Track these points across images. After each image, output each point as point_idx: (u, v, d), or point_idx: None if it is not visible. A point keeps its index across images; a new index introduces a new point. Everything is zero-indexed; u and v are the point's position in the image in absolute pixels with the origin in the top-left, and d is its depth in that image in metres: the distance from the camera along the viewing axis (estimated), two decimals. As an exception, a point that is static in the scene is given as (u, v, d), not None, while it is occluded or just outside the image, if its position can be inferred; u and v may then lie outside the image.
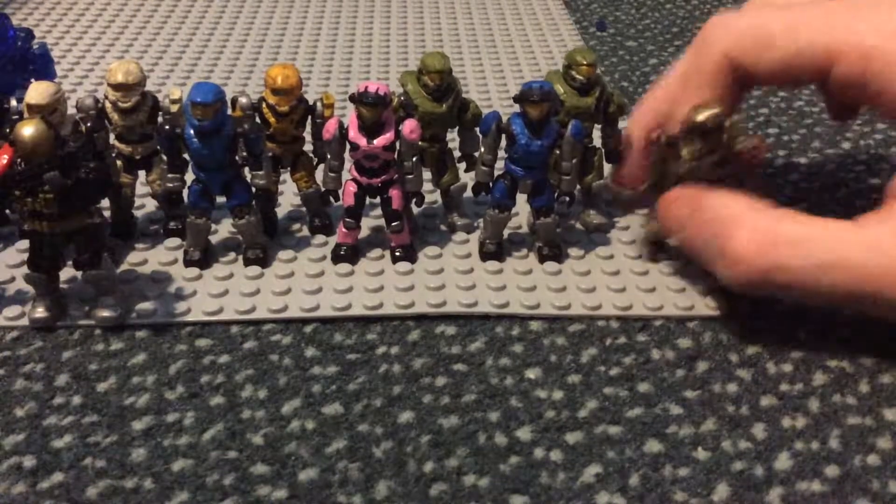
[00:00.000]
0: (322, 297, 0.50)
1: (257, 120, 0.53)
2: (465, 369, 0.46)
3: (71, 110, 0.52)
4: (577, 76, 0.54)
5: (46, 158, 0.43)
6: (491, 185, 0.53)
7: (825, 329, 0.49)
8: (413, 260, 0.54)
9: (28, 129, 0.43)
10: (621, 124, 0.56)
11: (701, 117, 0.46)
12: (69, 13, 0.94)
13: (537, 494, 0.39)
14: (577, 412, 0.43)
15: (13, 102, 0.51)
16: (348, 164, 0.53)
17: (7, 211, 0.56)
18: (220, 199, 0.53)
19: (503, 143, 0.52)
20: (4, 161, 0.43)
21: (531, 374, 0.46)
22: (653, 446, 0.41)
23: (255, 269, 0.52)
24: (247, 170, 0.52)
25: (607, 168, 0.57)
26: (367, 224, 0.56)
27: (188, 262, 0.53)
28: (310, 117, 0.55)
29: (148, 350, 0.47)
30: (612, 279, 0.52)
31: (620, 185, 0.55)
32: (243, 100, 0.53)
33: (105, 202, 0.52)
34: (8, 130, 0.46)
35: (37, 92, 0.49)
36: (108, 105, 0.53)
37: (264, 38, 0.90)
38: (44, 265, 0.47)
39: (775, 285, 0.43)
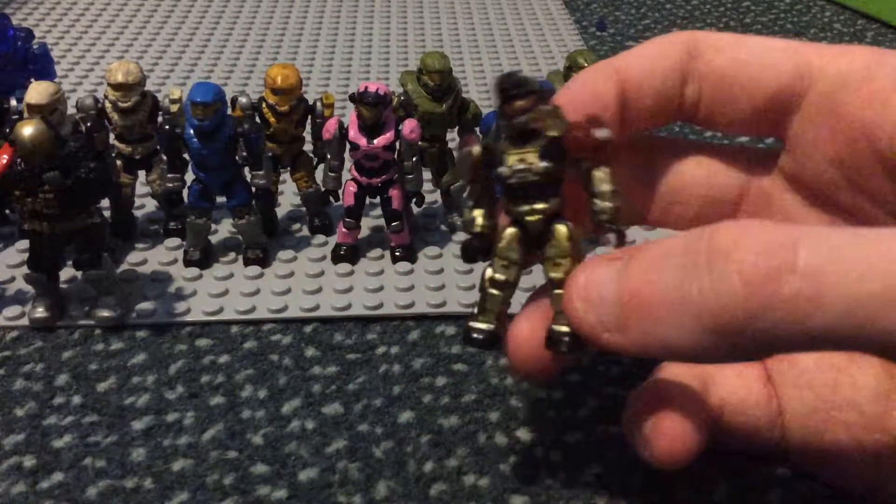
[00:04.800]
0: (322, 297, 0.50)
1: (257, 120, 0.53)
2: (465, 369, 0.46)
3: (71, 110, 0.52)
4: None
5: (46, 158, 0.43)
6: (491, 185, 0.53)
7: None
8: (413, 260, 0.54)
9: (28, 129, 0.43)
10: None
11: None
12: (69, 13, 0.94)
13: (537, 494, 0.39)
14: (577, 412, 0.43)
15: (13, 102, 0.51)
16: (348, 163, 0.53)
17: (7, 211, 0.56)
18: (221, 199, 0.53)
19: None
20: (4, 161, 0.43)
21: (531, 374, 0.46)
22: (653, 446, 0.41)
23: (255, 269, 0.52)
24: (247, 170, 0.52)
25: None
26: (367, 224, 0.56)
27: (188, 262, 0.53)
28: (310, 117, 0.55)
29: (148, 350, 0.47)
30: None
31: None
32: (243, 100, 0.53)
33: (105, 202, 0.52)
34: (8, 130, 0.46)
35: (37, 92, 0.49)
36: (108, 105, 0.53)
37: (264, 38, 0.90)
38: (44, 265, 0.47)
39: None
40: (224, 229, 0.57)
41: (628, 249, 0.30)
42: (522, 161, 0.31)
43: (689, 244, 0.28)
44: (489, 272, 0.33)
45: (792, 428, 0.36)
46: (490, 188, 0.33)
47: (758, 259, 0.25)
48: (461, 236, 0.56)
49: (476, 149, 0.32)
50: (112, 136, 0.54)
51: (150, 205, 0.59)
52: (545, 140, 0.31)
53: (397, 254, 0.54)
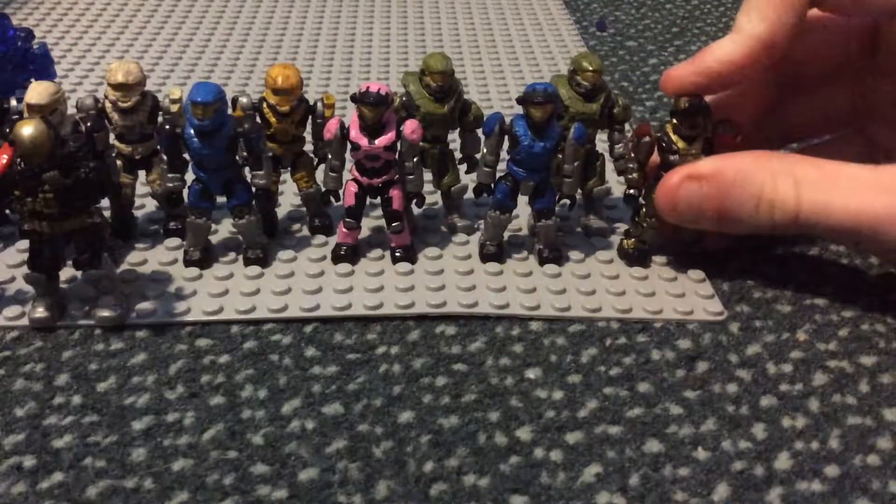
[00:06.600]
0: (322, 297, 0.50)
1: (258, 120, 0.53)
2: (465, 369, 0.46)
3: (71, 110, 0.52)
4: (583, 82, 0.54)
5: (46, 158, 0.43)
6: (492, 186, 0.53)
7: (825, 329, 0.49)
8: (413, 260, 0.54)
9: (28, 129, 0.43)
10: (626, 127, 0.56)
11: (684, 101, 0.51)
12: (69, 13, 0.95)
13: (537, 494, 0.39)
14: (577, 412, 0.43)
15: (13, 102, 0.51)
16: (349, 164, 0.53)
17: (7, 211, 0.56)
18: (221, 199, 0.53)
19: (505, 144, 0.52)
20: (4, 161, 0.43)
21: (531, 374, 0.46)
22: (653, 446, 0.41)
23: (255, 269, 0.52)
24: (247, 170, 0.52)
25: (609, 173, 0.57)
26: (367, 224, 0.56)
27: (188, 262, 0.53)
28: (310, 117, 0.55)
29: (148, 350, 0.47)
30: (612, 283, 0.52)
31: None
32: (243, 100, 0.53)
33: (105, 202, 0.52)
34: (8, 130, 0.46)
35: (37, 92, 0.49)
36: (108, 105, 0.53)
37: (264, 38, 0.90)
38: (44, 265, 0.47)
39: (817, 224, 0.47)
40: (224, 229, 0.57)
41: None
42: None
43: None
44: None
45: None
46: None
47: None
48: (461, 237, 0.56)
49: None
50: (112, 136, 0.54)
51: (150, 205, 0.59)
52: None
53: (397, 254, 0.54)
